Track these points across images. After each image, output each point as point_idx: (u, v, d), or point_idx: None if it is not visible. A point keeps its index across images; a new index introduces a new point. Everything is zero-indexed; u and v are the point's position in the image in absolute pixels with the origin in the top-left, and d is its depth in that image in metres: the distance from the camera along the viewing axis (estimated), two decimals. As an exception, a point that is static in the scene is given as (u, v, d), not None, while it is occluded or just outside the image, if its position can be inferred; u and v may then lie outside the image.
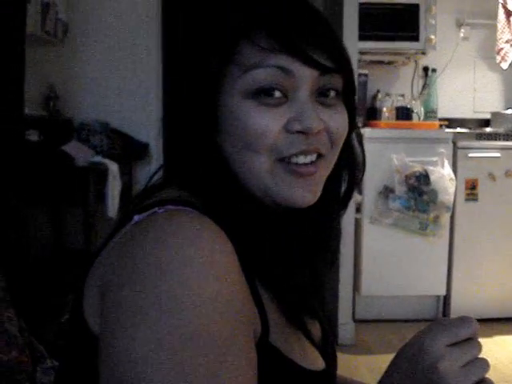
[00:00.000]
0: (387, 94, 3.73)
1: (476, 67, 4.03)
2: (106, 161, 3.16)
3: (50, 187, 2.97)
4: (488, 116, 3.96)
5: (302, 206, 0.71)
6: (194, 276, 0.56)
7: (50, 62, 3.63)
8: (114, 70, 3.71)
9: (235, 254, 0.61)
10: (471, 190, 3.30)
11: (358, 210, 3.24)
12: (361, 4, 3.08)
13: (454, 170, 3.24)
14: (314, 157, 0.70)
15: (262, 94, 0.67)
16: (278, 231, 0.72)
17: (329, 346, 0.82)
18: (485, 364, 0.63)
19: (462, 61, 3.98)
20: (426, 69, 3.92)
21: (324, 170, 0.72)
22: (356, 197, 3.16)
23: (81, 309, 0.65)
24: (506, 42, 3.76)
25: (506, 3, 3.72)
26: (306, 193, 0.70)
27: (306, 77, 0.68)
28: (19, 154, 2.42)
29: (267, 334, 0.65)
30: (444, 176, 3.17)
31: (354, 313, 3.22)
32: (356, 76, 3.03)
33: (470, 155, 3.29)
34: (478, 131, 3.50)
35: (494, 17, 3.81)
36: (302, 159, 0.69)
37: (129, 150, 3.57)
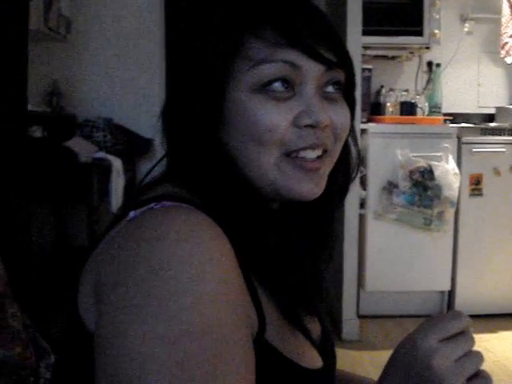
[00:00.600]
0: (391, 89, 3.72)
1: (480, 62, 4.01)
2: (110, 157, 3.16)
3: (53, 183, 2.97)
4: (492, 111, 3.95)
5: (309, 199, 0.71)
6: (191, 273, 0.55)
7: (53, 58, 3.63)
8: (117, 65, 3.71)
9: (232, 251, 0.60)
10: (476, 185, 3.29)
11: (362, 205, 3.24)
12: (365, -2, 3.07)
13: (459, 165, 3.23)
14: (320, 151, 0.71)
15: (270, 88, 0.67)
16: (276, 228, 0.72)
17: (328, 344, 0.82)
18: (479, 357, 0.63)
19: (466, 55, 3.97)
20: (430, 63, 3.91)
21: (328, 165, 0.73)
22: (360, 192, 3.16)
23: (76, 306, 0.65)
24: (511, 36, 3.75)
25: (510, -3, 3.71)
26: (312, 186, 0.70)
27: (312, 71, 0.68)
28: (22, 150, 2.42)
29: (264, 332, 0.65)
30: (448, 171, 3.16)
31: (358, 308, 3.22)
32: (360, 71, 3.02)
33: (475, 150, 3.28)
34: (482, 126, 3.49)
35: (499, 11, 3.80)
36: (309, 153, 0.70)
37: (132, 146, 3.56)
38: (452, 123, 3.55)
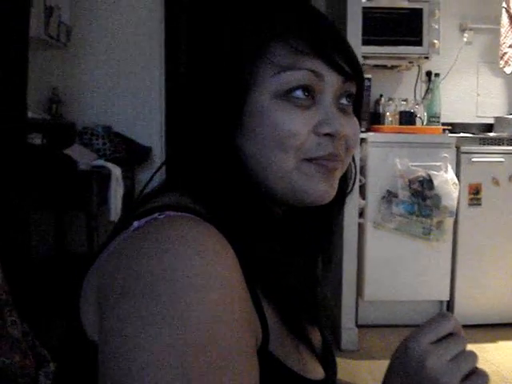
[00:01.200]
0: (390, 99, 3.74)
1: (479, 72, 4.03)
2: (109, 164, 3.17)
3: (52, 190, 2.97)
4: (491, 121, 3.96)
5: (323, 202, 0.72)
6: (196, 285, 0.55)
7: (53, 65, 3.64)
8: (116, 73, 3.72)
9: (237, 262, 0.60)
10: (475, 194, 3.29)
11: (361, 214, 3.24)
12: (364, 8, 3.08)
13: (458, 175, 3.23)
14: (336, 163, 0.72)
15: (292, 95, 0.68)
16: (280, 239, 0.71)
17: (329, 354, 0.82)
18: (473, 356, 0.64)
19: (465, 65, 3.98)
20: (429, 73, 3.92)
21: (340, 173, 0.74)
22: (359, 201, 3.16)
23: (78, 316, 0.64)
24: (510, 46, 3.76)
25: (509, 8, 3.73)
26: (328, 187, 0.71)
27: (332, 82, 0.70)
28: (22, 157, 2.42)
29: (267, 343, 0.65)
30: (447, 181, 3.16)
31: (357, 318, 3.21)
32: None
33: (474, 160, 3.28)
34: (481, 136, 3.49)
35: (498, 21, 3.82)
36: (326, 163, 0.71)
37: (131, 154, 3.57)
38: (451, 133, 3.56)
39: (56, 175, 2.94)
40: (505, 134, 3.53)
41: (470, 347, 0.65)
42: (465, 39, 3.96)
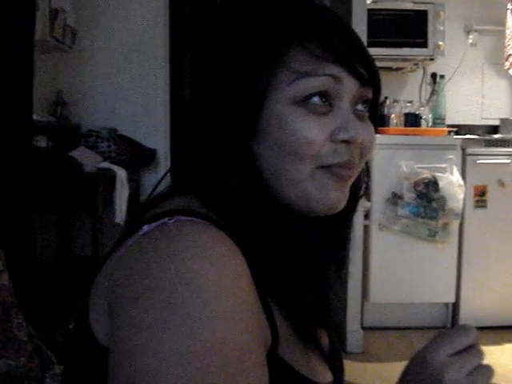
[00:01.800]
0: (395, 101, 3.73)
1: (484, 73, 4.02)
2: (114, 167, 3.17)
3: (57, 193, 2.97)
4: (496, 122, 3.95)
5: (335, 211, 0.71)
6: (207, 290, 0.54)
7: (59, 68, 3.65)
8: (121, 76, 3.72)
9: (247, 268, 0.60)
10: (480, 196, 3.28)
11: (367, 216, 3.23)
12: (369, 10, 3.08)
13: (463, 177, 3.23)
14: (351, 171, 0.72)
15: (310, 101, 0.67)
16: (293, 246, 0.71)
17: (336, 357, 0.81)
18: (489, 370, 0.63)
19: (470, 67, 3.98)
20: (434, 75, 3.92)
21: (352, 180, 0.73)
22: (365, 203, 3.15)
23: (87, 320, 0.64)
24: (515, 48, 3.75)
25: (514, 9, 3.72)
26: (340, 195, 0.71)
27: (350, 87, 0.69)
28: (27, 159, 2.42)
29: (277, 347, 0.64)
30: (453, 183, 3.16)
31: (362, 320, 3.21)
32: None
33: (479, 162, 3.27)
34: (486, 137, 3.49)
35: (503, 23, 3.81)
36: (342, 171, 0.70)
37: (136, 156, 3.57)
38: (456, 135, 3.55)
39: (61, 178, 2.94)
40: (510, 136, 3.53)
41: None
42: (470, 41, 3.96)
